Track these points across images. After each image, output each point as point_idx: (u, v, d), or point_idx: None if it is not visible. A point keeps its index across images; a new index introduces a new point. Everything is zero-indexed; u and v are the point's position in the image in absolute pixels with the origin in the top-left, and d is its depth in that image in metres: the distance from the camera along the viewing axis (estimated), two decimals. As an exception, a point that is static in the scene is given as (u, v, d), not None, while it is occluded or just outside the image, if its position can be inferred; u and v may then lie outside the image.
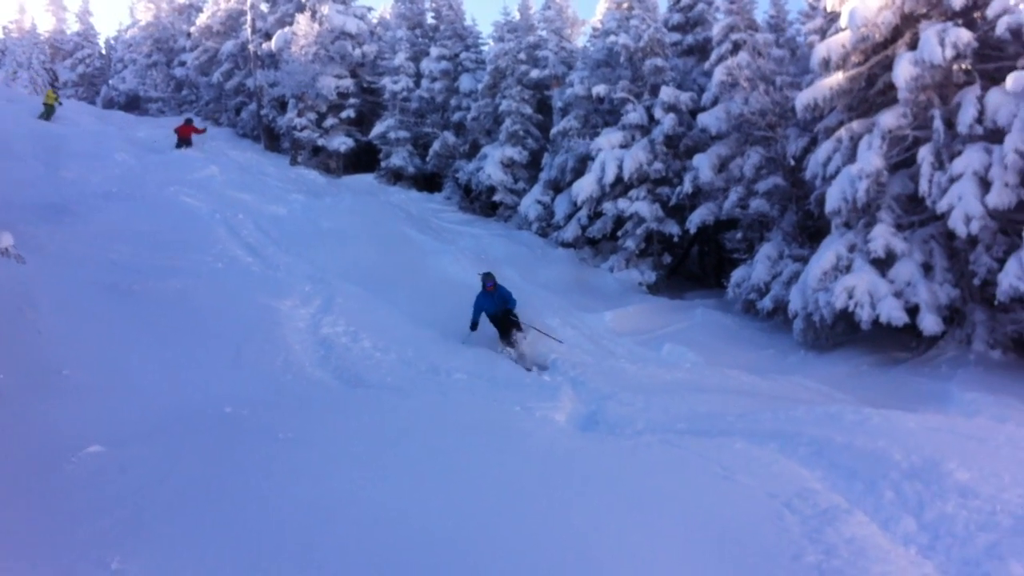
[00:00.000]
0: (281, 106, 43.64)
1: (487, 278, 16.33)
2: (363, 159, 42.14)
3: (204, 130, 36.13)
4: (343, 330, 14.74)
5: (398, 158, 39.11)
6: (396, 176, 39.71)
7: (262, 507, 5.37)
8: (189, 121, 35.49)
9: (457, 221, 32.15)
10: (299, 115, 40.26)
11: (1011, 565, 5.15)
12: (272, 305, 15.11)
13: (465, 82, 38.37)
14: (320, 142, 40.25)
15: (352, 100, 41.47)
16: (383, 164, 39.70)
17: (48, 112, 36.53)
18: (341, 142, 40.27)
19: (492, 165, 33.29)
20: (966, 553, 5.47)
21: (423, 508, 5.77)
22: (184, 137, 34.01)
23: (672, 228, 26.94)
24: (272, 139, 45.32)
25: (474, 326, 16.03)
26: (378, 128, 39.34)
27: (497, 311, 16.29)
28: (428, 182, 40.36)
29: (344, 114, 41.02)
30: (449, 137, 37.84)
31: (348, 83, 40.92)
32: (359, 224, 25.32)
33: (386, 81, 39.46)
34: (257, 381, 11.48)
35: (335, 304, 16.09)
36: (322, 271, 19.11)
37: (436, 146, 37.96)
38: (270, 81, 41.88)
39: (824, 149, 19.43)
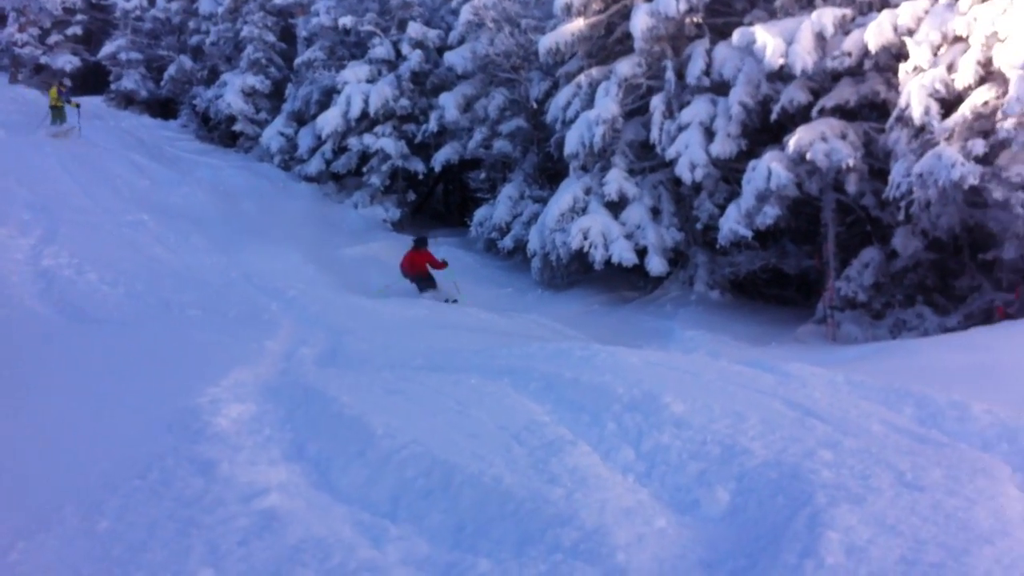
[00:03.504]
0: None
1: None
2: (91, 80, 39.46)
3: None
4: (67, 262, 13.86)
5: (130, 81, 36.94)
6: (128, 100, 37.50)
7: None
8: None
9: (194, 150, 30.68)
10: (20, 30, 37.07)
11: (717, 491, 5.54)
12: (-16, 234, 14.01)
13: (204, 4, 36.29)
14: (43, 60, 37.30)
15: (80, 16, 38.72)
16: (113, 86, 37.39)
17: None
18: (67, 61, 37.54)
19: (233, 93, 31.90)
20: (678, 480, 5.83)
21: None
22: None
23: (417, 165, 26.92)
24: (-12, 55, 41.60)
25: None
26: (108, 48, 36.96)
27: None
28: (163, 108, 38.34)
29: (71, 31, 38.21)
30: (186, 61, 35.99)
31: (75, -3, 38.09)
32: (85, 149, 23.74)
33: (118, -2, 37.03)
34: (-35, 316, 10.63)
35: (58, 234, 15.12)
36: (44, 199, 17.81)
37: (172, 70, 36.01)
38: (-14, -8, 38.31)
39: (564, 94, 19.94)
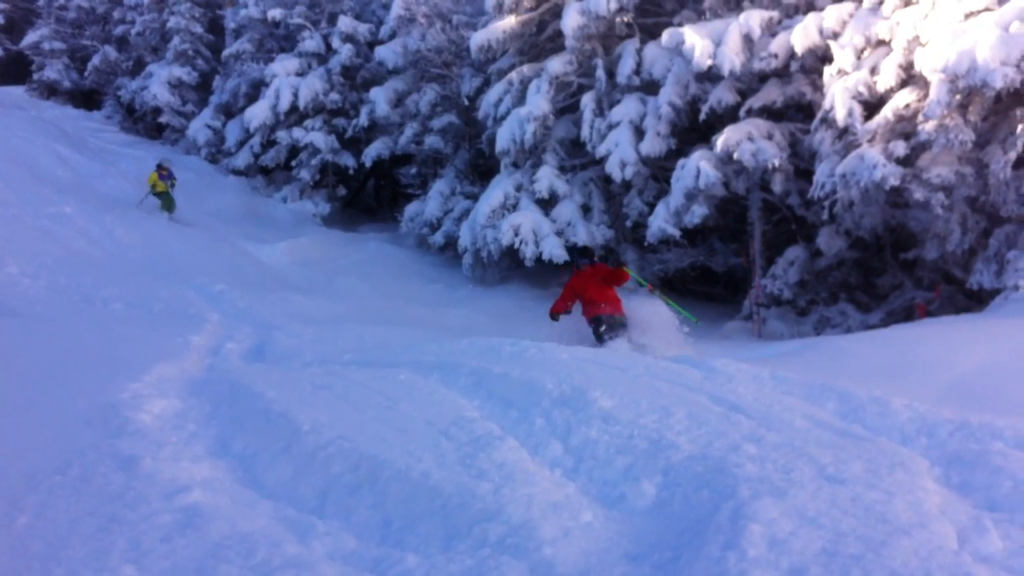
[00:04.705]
0: (-87, 5, 38.95)
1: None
2: (12, 70, 38.60)
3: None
4: (-15, 254, 13.49)
5: (52, 71, 36.15)
6: (50, 90, 36.70)
7: None
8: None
9: (119, 142, 30.10)
10: (-63, 16, 36.21)
11: (643, 485, 5.58)
12: None
13: (130, -7, 35.81)
14: (-38, 47, 36.44)
15: (1, 5, 37.85)
16: (35, 76, 36.59)
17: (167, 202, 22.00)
18: (-13, 49, 36.71)
19: (158, 85, 31.38)
20: (606, 474, 5.87)
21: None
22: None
23: (348, 160, 26.76)
24: (-98, 41, 40.46)
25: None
26: (30, 37, 36.18)
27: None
28: (86, 99, 37.59)
29: (-9, 19, 37.33)
30: (111, 52, 35.29)
31: (-5, -15, 37.29)
32: (2, 139, 23.10)
33: (40, -15, 36.26)
34: None
35: (-26, 226, 14.71)
36: (-44, 189, 17.32)
37: (96, 60, 35.30)
38: (-100, -25, 37.28)
39: (496, 90, 19.95)
